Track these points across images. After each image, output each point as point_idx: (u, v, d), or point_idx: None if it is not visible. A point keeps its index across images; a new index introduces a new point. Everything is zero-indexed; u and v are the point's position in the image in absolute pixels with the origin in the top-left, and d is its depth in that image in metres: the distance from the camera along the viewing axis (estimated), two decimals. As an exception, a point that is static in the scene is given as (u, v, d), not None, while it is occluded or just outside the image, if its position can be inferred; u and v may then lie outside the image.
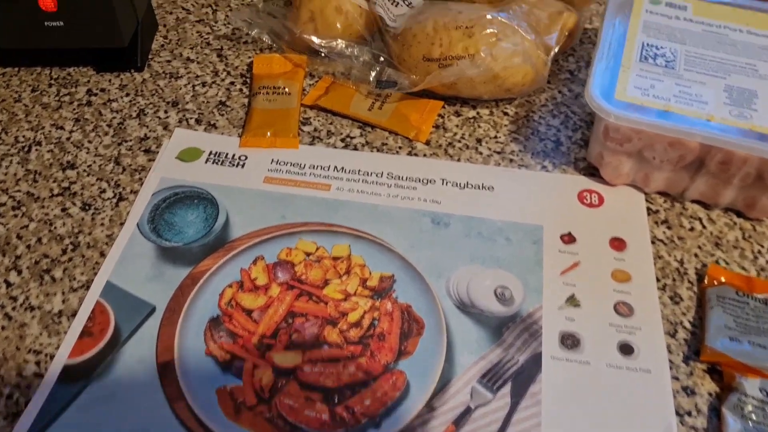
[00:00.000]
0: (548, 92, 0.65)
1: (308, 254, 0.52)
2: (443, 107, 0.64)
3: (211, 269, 0.51)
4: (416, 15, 0.62)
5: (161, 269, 0.51)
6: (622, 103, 0.52)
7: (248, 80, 0.66)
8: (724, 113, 0.51)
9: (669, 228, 0.55)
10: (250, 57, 0.68)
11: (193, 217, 0.54)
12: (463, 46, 0.59)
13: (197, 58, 0.68)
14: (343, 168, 0.58)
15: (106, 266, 0.51)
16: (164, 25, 0.72)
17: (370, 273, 0.51)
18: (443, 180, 0.58)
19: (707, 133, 0.49)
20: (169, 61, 0.68)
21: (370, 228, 0.54)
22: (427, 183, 0.57)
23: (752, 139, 0.49)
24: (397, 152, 0.60)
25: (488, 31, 0.59)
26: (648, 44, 0.56)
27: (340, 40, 0.65)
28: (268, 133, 0.60)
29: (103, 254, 0.52)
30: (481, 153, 0.60)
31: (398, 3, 0.65)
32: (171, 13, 0.73)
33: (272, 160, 0.59)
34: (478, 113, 0.63)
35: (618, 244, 0.53)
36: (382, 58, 0.64)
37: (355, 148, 0.60)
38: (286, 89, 0.63)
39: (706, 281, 0.51)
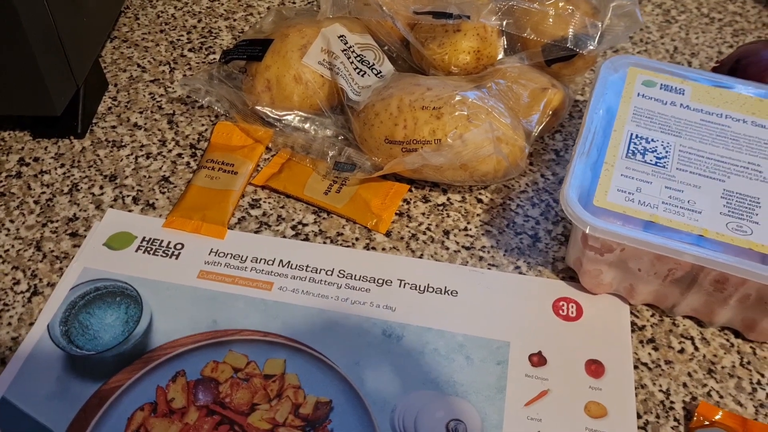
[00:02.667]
0: (530, 175, 0.59)
1: (237, 370, 0.45)
2: (410, 191, 0.57)
3: (123, 386, 0.44)
4: (381, 90, 0.56)
5: (67, 384, 0.44)
6: (602, 210, 0.45)
7: (197, 152, 0.60)
8: (720, 226, 0.44)
9: (655, 349, 0.48)
10: (203, 125, 0.62)
11: (112, 318, 0.48)
12: (430, 129, 0.52)
13: (146, 124, 0.62)
14: (289, 262, 0.52)
15: (3, 379, 0.45)
16: (115, 84, 0.66)
17: (305, 397, 0.44)
18: (401, 281, 0.51)
19: (699, 253, 0.42)
20: (114, 127, 0.62)
21: (311, 339, 0.47)
22: (382, 284, 0.51)
23: (751, 262, 0.42)
24: (353, 244, 0.53)
25: (458, 113, 0.52)
26: (637, 136, 0.50)
27: (297, 113, 0.59)
28: (197, 217, 0.54)
29: (3, 362, 0.45)
30: (447, 248, 0.53)
31: (364, 72, 0.59)
32: (125, 70, 0.68)
33: (211, 250, 0.52)
34: (448, 199, 0.57)
35: (595, 368, 0.46)
36: (342, 136, 0.58)
37: (307, 238, 0.54)
38: (235, 168, 0.57)
39: (695, 419, 0.43)
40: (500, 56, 0.60)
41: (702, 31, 0.73)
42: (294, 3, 0.76)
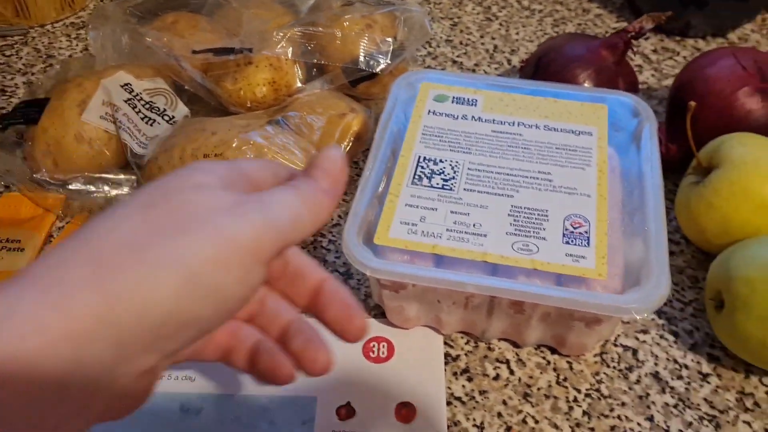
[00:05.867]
0: (343, 206, 0.56)
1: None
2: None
3: None
4: (165, 140, 0.52)
5: None
6: (384, 248, 0.42)
7: (-16, 230, 0.55)
8: (505, 248, 0.42)
9: (470, 380, 0.45)
10: (-8, 198, 0.57)
11: None
12: (216, 178, 0.49)
13: (-72, 205, 0.57)
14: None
15: None
16: None
17: (90, 499, 0.40)
18: (201, 346, 0.47)
19: (478, 281, 0.40)
20: None
21: (96, 427, 0.43)
22: (181, 353, 0.47)
23: (531, 287, 0.40)
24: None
25: (244, 156, 0.49)
26: (425, 159, 0.47)
27: (87, 174, 0.55)
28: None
29: None
30: (253, 300, 0.50)
31: (154, 121, 0.55)
32: None
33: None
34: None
35: (406, 413, 0.44)
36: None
37: (101, 312, 0.49)
38: (21, 244, 0.52)
39: (509, 452, 0.41)
40: (298, 84, 0.57)
41: (522, 26, 0.72)
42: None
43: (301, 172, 0.33)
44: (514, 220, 0.43)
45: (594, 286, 0.41)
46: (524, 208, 0.44)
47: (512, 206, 0.44)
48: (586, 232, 0.42)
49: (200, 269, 0.26)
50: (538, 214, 0.43)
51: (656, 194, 0.44)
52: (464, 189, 0.45)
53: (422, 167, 0.46)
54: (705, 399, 0.44)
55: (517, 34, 0.71)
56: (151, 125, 0.55)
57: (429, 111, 0.50)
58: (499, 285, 0.40)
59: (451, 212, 0.44)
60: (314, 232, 0.34)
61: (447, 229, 0.43)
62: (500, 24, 0.72)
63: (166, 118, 0.55)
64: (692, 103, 0.47)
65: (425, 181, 0.46)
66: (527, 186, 0.45)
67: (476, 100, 0.51)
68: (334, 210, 0.37)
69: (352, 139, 0.54)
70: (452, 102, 0.51)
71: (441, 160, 0.47)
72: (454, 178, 0.46)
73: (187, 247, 0.26)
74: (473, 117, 0.50)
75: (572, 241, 0.42)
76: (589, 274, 0.40)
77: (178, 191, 0.28)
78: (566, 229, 0.42)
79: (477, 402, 0.44)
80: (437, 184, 0.45)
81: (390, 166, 0.47)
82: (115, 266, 0.25)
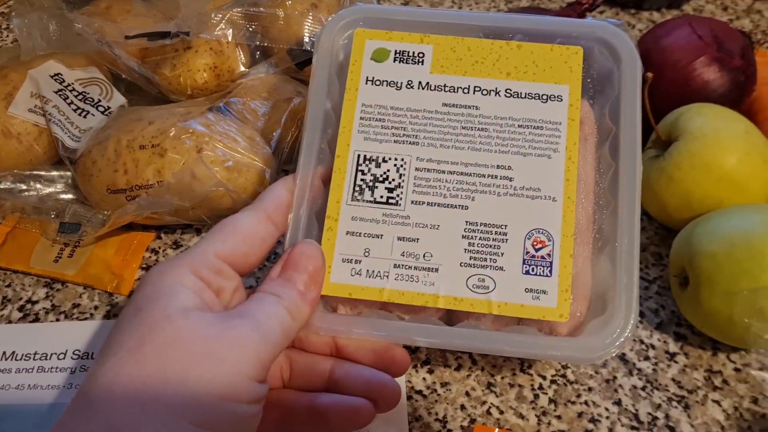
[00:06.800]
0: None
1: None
2: (158, 238, 0.51)
3: None
4: (99, 132, 0.49)
5: None
6: (324, 297, 0.37)
7: None
8: (459, 285, 0.36)
9: (431, 372, 0.43)
10: None
11: None
12: (154, 170, 0.46)
13: None
14: (14, 353, 0.44)
15: None
16: None
17: None
18: (145, 350, 0.44)
19: (430, 338, 0.36)
20: None
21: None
22: (123, 358, 0.44)
23: (485, 340, 0.36)
24: (92, 315, 0.46)
25: (184, 145, 0.46)
26: (366, 159, 0.39)
27: (17, 172, 0.51)
28: None
29: None
30: (201, 298, 0.47)
31: (88, 112, 0.51)
32: None
33: None
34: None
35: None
36: (66, 195, 0.50)
37: (37, 318, 0.46)
38: (-52, 249, 0.49)
39: (474, 445, 0.40)
40: (242, 68, 0.54)
41: (475, 1, 0.70)
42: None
43: (279, 271, 0.34)
44: (469, 244, 0.37)
45: (555, 327, 0.37)
46: (480, 224, 0.38)
47: (467, 222, 0.38)
48: (549, 255, 0.37)
49: (212, 409, 0.28)
50: (496, 232, 0.37)
51: (632, 186, 0.38)
52: (412, 202, 0.38)
53: (362, 172, 0.39)
54: (673, 379, 0.43)
55: (470, 9, 0.69)
56: (84, 117, 0.51)
57: (367, 79, 0.40)
58: (451, 342, 0.36)
59: (399, 238, 0.37)
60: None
61: (395, 265, 0.37)
62: (453, 1, 0.70)
63: (101, 109, 0.52)
64: (649, 75, 0.46)
65: (367, 195, 0.38)
66: (484, 190, 0.38)
67: (423, 54, 0.41)
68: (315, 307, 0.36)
69: (299, 125, 0.51)
70: (394, 60, 0.41)
71: (384, 159, 0.39)
72: (400, 185, 0.38)
73: (195, 389, 0.28)
74: (420, 84, 0.40)
75: (533, 269, 0.37)
76: (550, 316, 0.36)
77: (166, 321, 0.29)
78: (527, 253, 0.37)
79: (439, 395, 0.42)
80: (381, 197, 0.38)
81: (327, 168, 0.39)
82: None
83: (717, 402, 0.42)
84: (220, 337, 0.29)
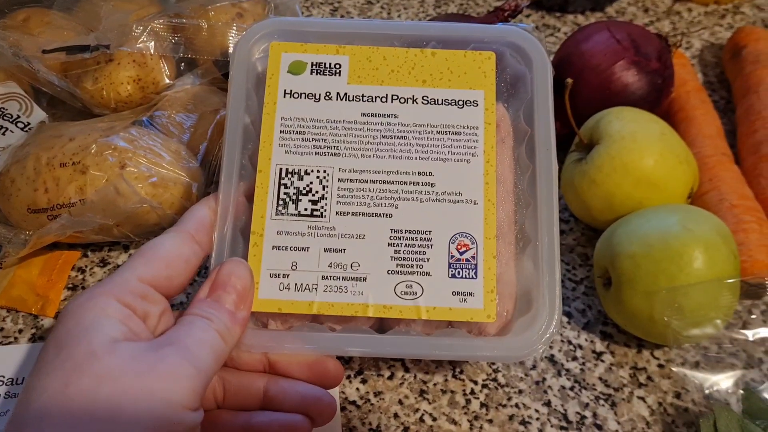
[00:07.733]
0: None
1: None
2: (85, 256, 0.49)
3: None
4: (17, 150, 0.48)
5: None
6: (254, 313, 0.37)
7: None
8: (387, 293, 0.37)
9: (364, 382, 0.43)
10: None
11: None
12: (76, 188, 0.45)
13: None
14: (-68, 383, 0.43)
15: None
16: None
17: None
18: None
19: (362, 348, 0.37)
20: None
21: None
22: (49, 382, 0.43)
23: (416, 346, 0.37)
24: (15, 339, 0.45)
25: (106, 162, 0.45)
26: (288, 172, 0.39)
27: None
28: None
29: None
30: (129, 317, 0.46)
31: (4, 129, 0.50)
32: None
33: None
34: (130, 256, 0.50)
35: (298, 423, 0.41)
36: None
37: (-43, 345, 0.45)
38: None
39: (407, 453, 0.40)
40: (166, 81, 0.53)
41: (404, 8, 0.70)
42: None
43: (207, 292, 0.34)
44: (395, 252, 0.38)
45: (484, 328, 0.37)
46: (405, 231, 0.38)
47: (392, 230, 0.38)
48: (473, 258, 0.37)
49: None
50: (421, 238, 0.38)
51: (549, 186, 0.39)
52: (336, 213, 0.38)
53: (286, 186, 0.38)
54: (600, 378, 0.44)
55: (399, 16, 0.69)
56: (3, 134, 0.50)
57: (285, 92, 0.40)
58: (382, 349, 0.37)
59: (325, 250, 0.38)
60: None
61: (323, 276, 0.37)
62: (382, 7, 0.70)
63: (20, 125, 0.51)
64: (569, 80, 0.47)
65: (291, 208, 0.38)
66: (407, 197, 0.39)
67: (340, 65, 0.41)
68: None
69: (227, 136, 0.50)
70: (311, 72, 0.41)
71: (307, 172, 0.39)
72: (324, 197, 0.38)
73: (127, 427, 0.27)
74: (338, 95, 0.40)
75: (459, 272, 0.37)
76: (478, 317, 0.36)
77: (92, 359, 0.28)
78: (452, 257, 0.37)
79: (372, 404, 0.43)
80: (305, 210, 0.38)
81: (250, 184, 0.39)
82: None
83: (642, 398, 0.43)
84: (150, 370, 0.29)
